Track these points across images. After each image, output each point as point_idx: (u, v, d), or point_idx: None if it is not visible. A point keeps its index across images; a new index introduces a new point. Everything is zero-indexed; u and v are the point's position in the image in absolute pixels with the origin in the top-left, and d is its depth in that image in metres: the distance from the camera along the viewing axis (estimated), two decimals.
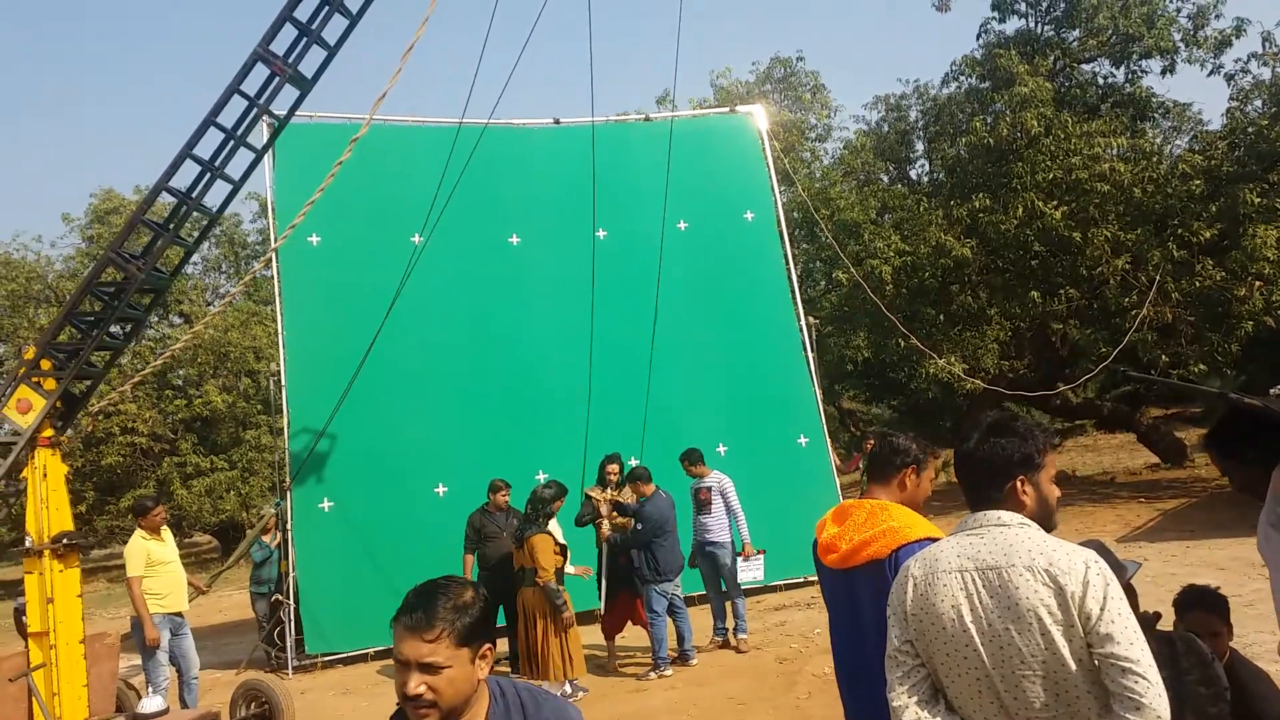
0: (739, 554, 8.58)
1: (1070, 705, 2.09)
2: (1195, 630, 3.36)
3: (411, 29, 7.10)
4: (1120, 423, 21.59)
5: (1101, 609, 2.06)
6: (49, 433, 6.19)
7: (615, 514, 8.42)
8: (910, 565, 2.37)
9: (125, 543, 7.68)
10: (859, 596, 2.92)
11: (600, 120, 10.76)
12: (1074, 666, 2.07)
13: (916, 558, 2.38)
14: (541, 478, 9.55)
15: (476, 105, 9.87)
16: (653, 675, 8.00)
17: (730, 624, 8.73)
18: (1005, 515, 2.27)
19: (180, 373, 22.86)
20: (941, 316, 17.24)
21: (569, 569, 7.84)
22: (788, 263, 12.20)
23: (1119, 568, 2.87)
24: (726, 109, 14.41)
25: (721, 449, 10.93)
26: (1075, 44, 18.09)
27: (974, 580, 2.20)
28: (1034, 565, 2.13)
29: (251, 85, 6.51)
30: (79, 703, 6.18)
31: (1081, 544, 2.96)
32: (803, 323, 11.90)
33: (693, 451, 8.81)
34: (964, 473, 2.37)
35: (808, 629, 8.99)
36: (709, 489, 8.59)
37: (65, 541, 6.13)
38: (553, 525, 7.58)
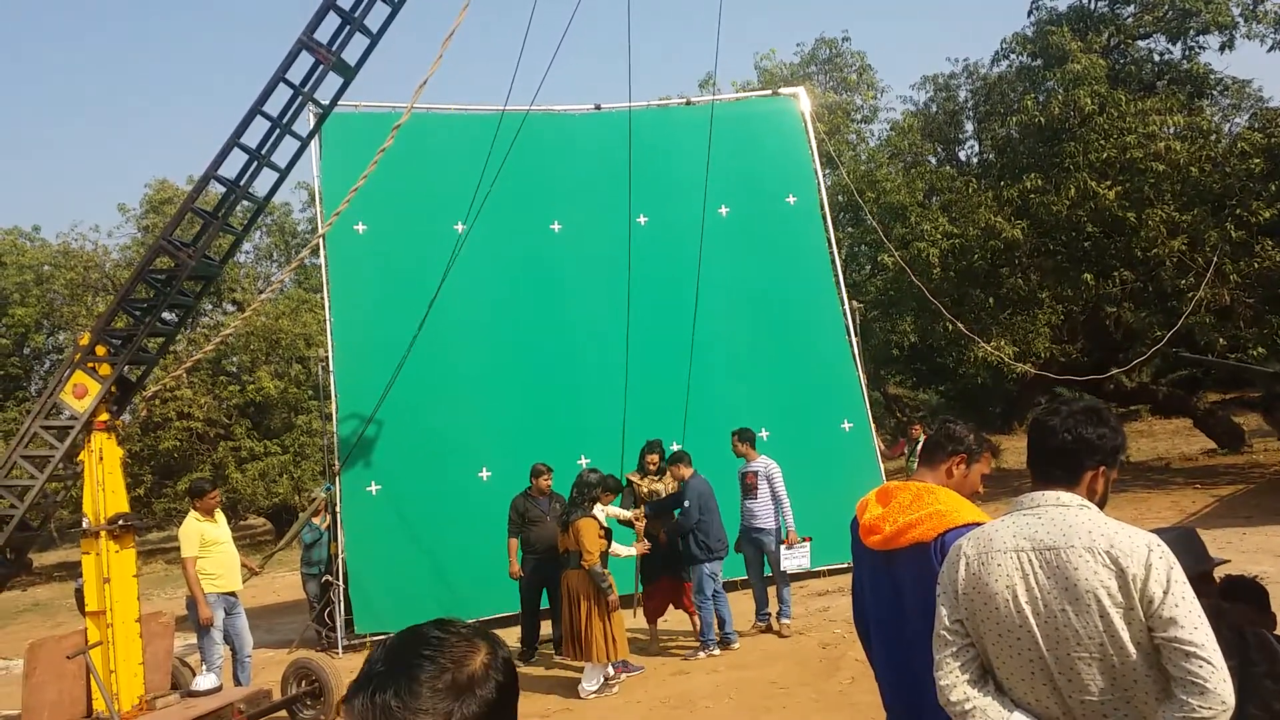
0: (783, 541, 8.55)
1: (1127, 690, 2.06)
2: (1236, 622, 3.29)
3: (452, 16, 7.14)
4: (1176, 408, 21.10)
5: (1165, 592, 2.02)
6: (105, 417, 6.36)
7: (643, 516, 8.43)
8: (962, 544, 2.34)
9: (181, 525, 7.88)
10: (901, 579, 2.88)
11: (640, 105, 10.73)
12: (1133, 650, 2.04)
13: (969, 536, 2.35)
14: (584, 463, 9.61)
15: (517, 91, 9.90)
16: (700, 655, 8.04)
17: (774, 608, 8.72)
18: (1065, 496, 2.23)
19: (234, 359, 23.31)
20: (991, 300, 16.95)
21: (624, 550, 7.87)
22: (831, 247, 12.08)
23: (1205, 558, 2.82)
24: (769, 92, 14.28)
25: (764, 434, 10.86)
26: (1130, 19, 17.62)
27: (1030, 560, 2.17)
28: (1094, 546, 2.10)
29: (296, 74, 6.61)
30: (135, 680, 6.36)
31: (1169, 529, 2.91)
32: (846, 307, 11.79)
33: (746, 431, 8.76)
34: (1041, 449, 2.32)
35: (851, 614, 8.93)
36: (755, 473, 8.57)
37: (121, 523, 6.30)
38: (599, 509, 7.63)
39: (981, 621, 2.23)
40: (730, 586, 9.33)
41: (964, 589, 2.26)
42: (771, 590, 8.76)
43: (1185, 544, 2.86)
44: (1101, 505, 2.29)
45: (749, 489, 8.60)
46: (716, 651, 8.08)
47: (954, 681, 2.26)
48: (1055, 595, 2.11)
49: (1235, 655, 2.58)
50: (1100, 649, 2.06)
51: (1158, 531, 2.88)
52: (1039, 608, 2.13)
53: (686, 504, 8.13)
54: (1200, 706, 1.96)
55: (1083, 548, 2.10)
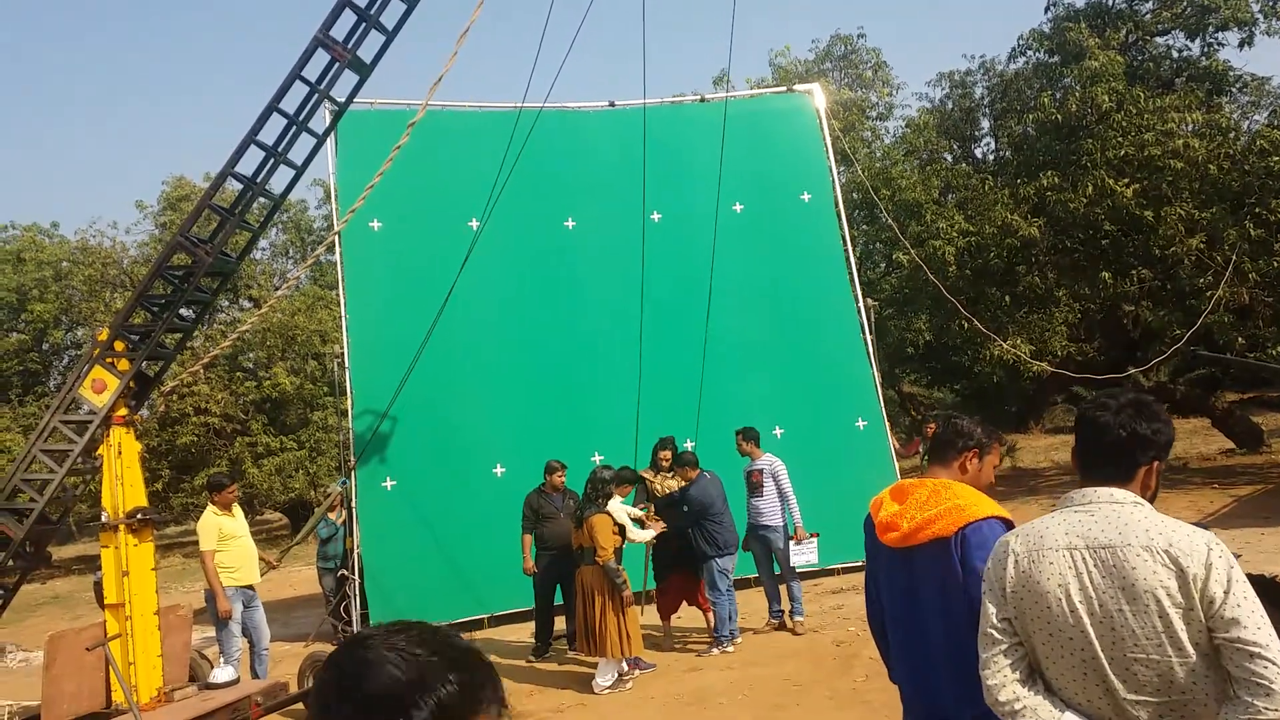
0: (791, 537, 8.55)
1: (1184, 691, 2.02)
2: None
3: (466, 14, 7.16)
4: (1194, 407, 20.92)
5: (1226, 592, 1.98)
6: (123, 411, 6.42)
7: (654, 514, 8.44)
8: (1010, 541, 2.29)
9: (199, 519, 7.94)
10: (919, 575, 2.87)
11: (654, 102, 10.71)
12: (1191, 651, 2.00)
13: (1016, 533, 2.31)
14: (598, 459, 9.62)
15: (531, 89, 9.91)
16: (714, 651, 8.06)
17: (785, 606, 8.72)
18: (1119, 493, 2.19)
19: (251, 355, 23.45)
20: (1007, 298, 16.85)
21: (640, 535, 7.89)
22: (846, 244, 12.05)
23: None
24: (784, 89, 14.24)
25: (778, 431, 10.87)
26: (1148, 16, 17.48)
27: (1084, 559, 2.13)
28: (1152, 545, 2.06)
29: (312, 71, 6.64)
30: (154, 672, 6.42)
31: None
32: (861, 305, 11.76)
33: (750, 430, 8.79)
34: (1095, 446, 2.27)
35: (865, 612, 8.92)
36: (760, 471, 8.57)
37: (139, 516, 6.36)
38: (614, 505, 7.64)
39: (1031, 620, 2.19)
40: (744, 584, 9.33)
41: (1013, 587, 2.22)
42: (783, 588, 8.76)
43: None
44: (1153, 500, 2.25)
45: (755, 487, 8.61)
46: (730, 648, 8.09)
47: (1003, 681, 2.22)
48: (1111, 595, 2.07)
49: None
50: (1158, 649, 2.03)
51: None
52: (1093, 607, 2.10)
53: (685, 509, 8.16)
54: (1266, 708, 1.92)
55: (1140, 546, 2.07)
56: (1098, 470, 2.25)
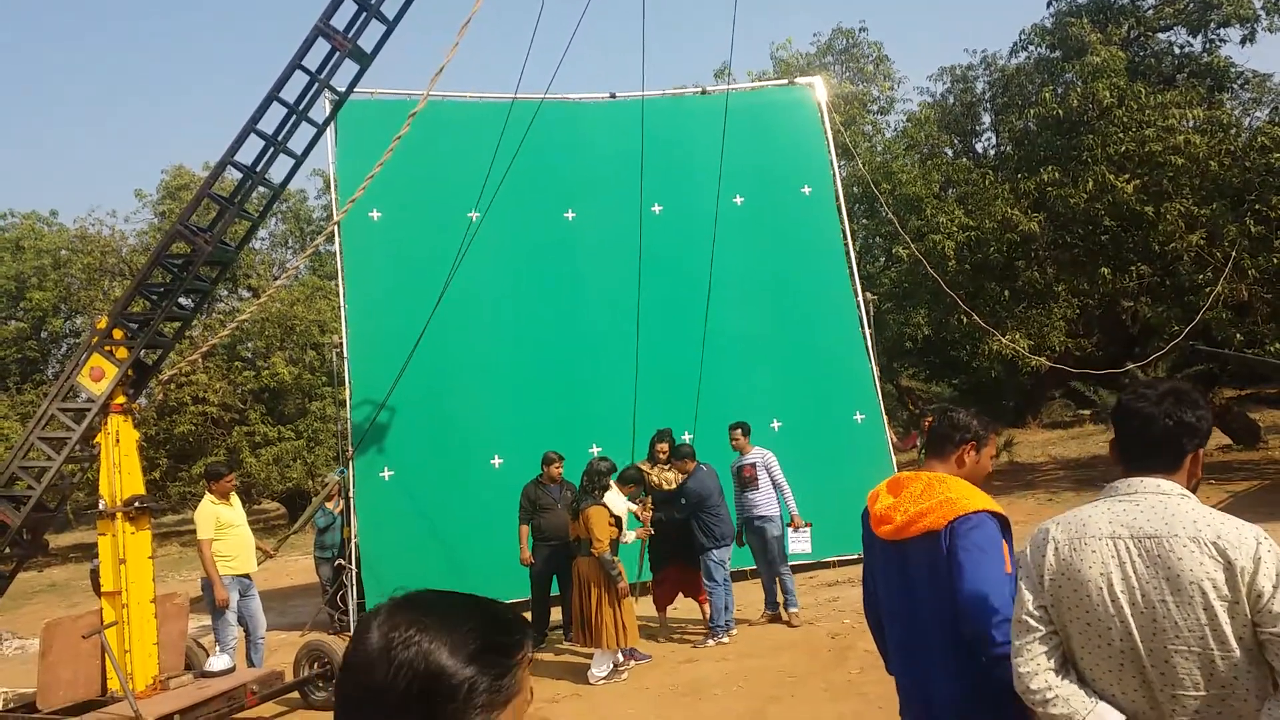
0: (788, 525, 8.57)
1: (1225, 685, 1.98)
2: None
3: (468, 4, 7.14)
4: None
5: (1275, 587, 1.94)
6: (121, 399, 6.42)
7: (650, 506, 8.46)
8: (1050, 528, 2.25)
9: (197, 508, 7.95)
10: (912, 568, 2.88)
11: (655, 94, 10.68)
12: (1235, 645, 1.97)
13: (1057, 521, 2.26)
14: (595, 451, 9.62)
15: (533, 80, 9.89)
16: (710, 642, 8.08)
17: (780, 598, 8.74)
18: (1165, 483, 2.16)
19: (249, 345, 23.43)
20: (1006, 293, 16.85)
21: (629, 535, 7.91)
22: (846, 238, 12.04)
23: None
24: (785, 82, 14.22)
25: (776, 424, 10.88)
26: (1150, 11, 17.44)
27: (1128, 548, 2.09)
28: (1199, 537, 2.02)
29: (313, 61, 6.63)
30: (149, 660, 6.43)
31: None
32: (860, 299, 11.76)
33: (744, 424, 8.80)
34: (1140, 437, 2.22)
35: (861, 605, 8.95)
36: (753, 465, 8.60)
37: (137, 504, 6.36)
38: (611, 497, 7.65)
39: (1068, 609, 2.16)
40: (740, 576, 9.35)
41: (1051, 574, 2.18)
42: (776, 580, 8.79)
43: None
44: (1196, 488, 2.23)
45: (749, 481, 8.62)
46: (726, 639, 8.12)
47: (1035, 669, 2.19)
48: (1155, 586, 2.04)
49: None
50: (1200, 643, 1.99)
51: None
52: (1135, 598, 2.06)
53: (684, 501, 8.20)
54: None
55: (1187, 538, 2.03)
56: (1143, 461, 2.21)
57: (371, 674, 1.15)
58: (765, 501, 8.56)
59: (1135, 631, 2.05)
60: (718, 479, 8.35)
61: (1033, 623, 2.21)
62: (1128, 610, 2.07)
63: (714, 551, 8.13)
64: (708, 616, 8.41)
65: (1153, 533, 2.07)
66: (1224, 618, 1.97)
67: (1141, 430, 2.22)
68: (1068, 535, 2.19)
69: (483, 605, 1.25)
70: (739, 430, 8.77)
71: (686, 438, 9.12)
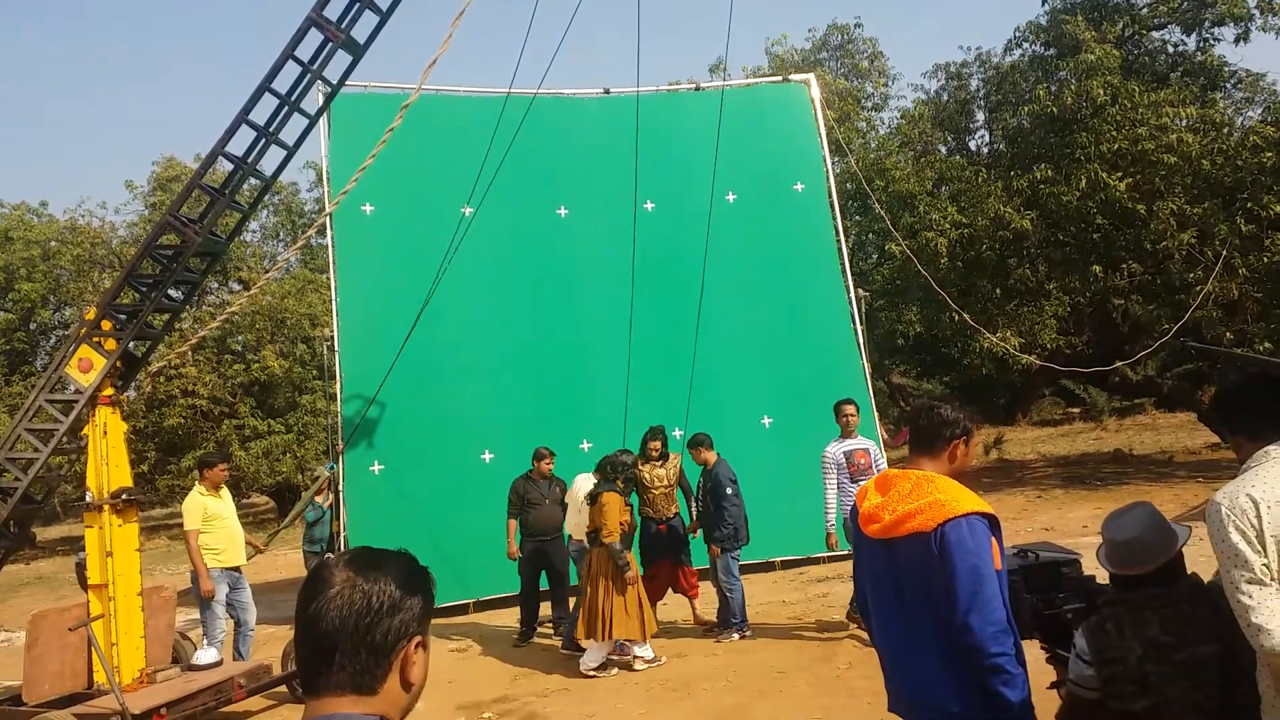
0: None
1: None
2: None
3: None
4: (1180, 401, 21.03)
5: None
6: (109, 391, 6.39)
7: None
8: (1238, 496, 2.38)
9: (185, 499, 7.91)
10: (900, 567, 2.86)
11: (649, 90, 10.65)
12: None
13: (1245, 488, 2.40)
14: (586, 447, 9.63)
15: (527, 75, 9.87)
16: (735, 636, 8.03)
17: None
18: None
19: (239, 338, 23.35)
20: (998, 291, 16.88)
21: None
22: (838, 235, 12.03)
23: (1171, 534, 2.81)
24: (780, 78, 14.20)
25: (767, 421, 10.89)
26: (1145, 10, 17.46)
27: None
28: None
29: (305, 51, 6.59)
30: (136, 653, 6.41)
31: (1131, 506, 2.90)
32: (852, 295, 11.76)
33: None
34: (1255, 406, 2.53)
35: (848, 601, 8.96)
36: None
37: (124, 497, 6.34)
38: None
39: None
40: (744, 570, 9.37)
41: (1272, 530, 2.30)
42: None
43: (1156, 521, 2.86)
44: None
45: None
46: (749, 632, 8.08)
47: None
48: None
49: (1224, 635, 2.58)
50: None
51: (1118, 513, 2.89)
52: None
53: (729, 491, 8.07)
54: None
55: None
56: (1258, 430, 2.48)
57: (331, 611, 1.39)
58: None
59: None
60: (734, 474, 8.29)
61: (1268, 579, 2.31)
62: None
63: (735, 550, 8.11)
64: (696, 611, 8.46)
65: None
66: None
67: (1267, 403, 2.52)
68: (1266, 495, 2.34)
69: (401, 554, 1.55)
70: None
71: (676, 434, 9.10)
